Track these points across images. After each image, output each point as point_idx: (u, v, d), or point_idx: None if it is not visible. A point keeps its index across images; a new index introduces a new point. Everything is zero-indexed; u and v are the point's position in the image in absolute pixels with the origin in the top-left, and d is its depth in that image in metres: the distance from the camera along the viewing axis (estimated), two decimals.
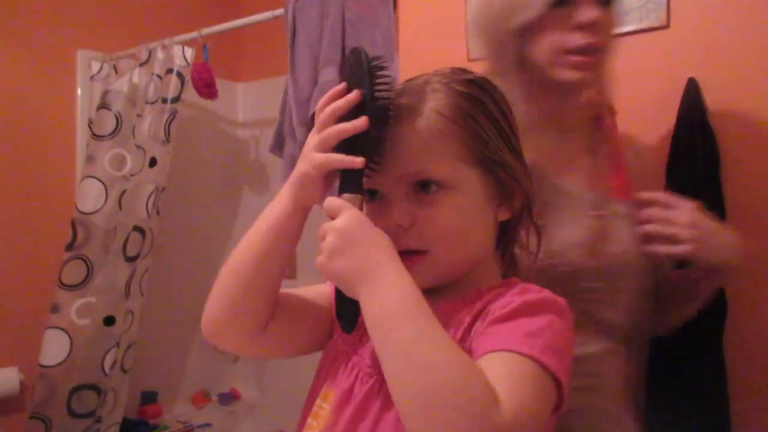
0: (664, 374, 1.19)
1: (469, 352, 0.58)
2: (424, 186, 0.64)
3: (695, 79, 1.21)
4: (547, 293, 0.62)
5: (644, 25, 1.28)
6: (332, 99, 0.63)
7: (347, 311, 0.62)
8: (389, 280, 0.56)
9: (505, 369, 0.53)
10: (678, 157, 1.21)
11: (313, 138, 0.63)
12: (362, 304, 0.57)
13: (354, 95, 0.61)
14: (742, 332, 1.18)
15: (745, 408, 1.17)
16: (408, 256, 0.62)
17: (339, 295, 0.62)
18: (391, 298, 0.55)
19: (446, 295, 0.66)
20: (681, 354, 1.17)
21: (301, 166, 0.64)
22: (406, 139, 0.64)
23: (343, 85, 0.64)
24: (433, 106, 0.65)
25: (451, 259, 0.66)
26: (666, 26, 1.26)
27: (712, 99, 1.21)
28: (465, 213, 0.65)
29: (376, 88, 0.62)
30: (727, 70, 1.20)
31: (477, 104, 0.66)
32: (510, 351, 0.54)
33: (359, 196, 0.62)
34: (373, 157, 0.63)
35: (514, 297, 0.61)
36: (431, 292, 0.63)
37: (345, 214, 0.59)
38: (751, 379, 1.17)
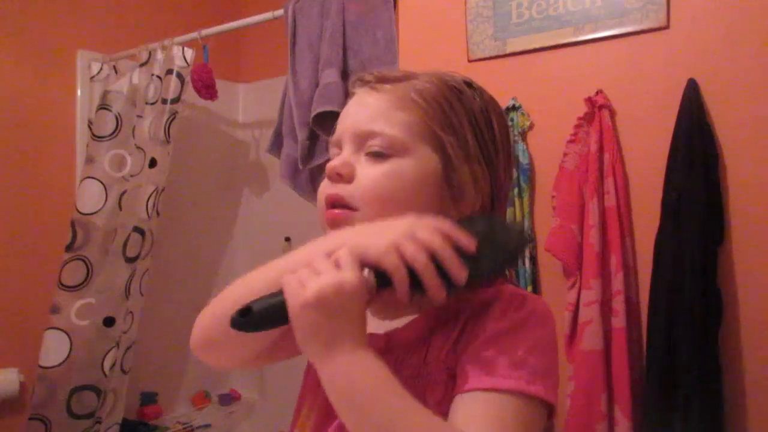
0: (661, 374, 1.19)
1: (456, 363, 0.58)
2: (376, 153, 0.64)
3: (695, 80, 1.21)
4: (528, 304, 0.60)
5: (644, 26, 1.28)
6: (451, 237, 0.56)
7: None
8: (360, 356, 0.53)
9: (490, 413, 0.54)
10: (677, 158, 1.21)
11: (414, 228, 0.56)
12: (327, 375, 0.53)
13: (471, 246, 0.55)
14: (738, 332, 1.18)
15: (741, 407, 1.17)
16: (337, 208, 0.63)
17: None
18: (361, 374, 0.52)
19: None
20: (677, 354, 1.18)
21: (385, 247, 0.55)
22: (374, 101, 0.66)
23: (471, 243, 0.56)
24: (417, 85, 0.66)
25: (383, 217, 0.62)
26: (666, 27, 1.26)
27: (712, 99, 1.21)
28: (403, 183, 0.63)
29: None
30: (727, 71, 1.20)
31: (462, 101, 0.66)
32: (495, 390, 0.54)
33: (374, 282, 0.54)
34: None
35: (498, 315, 0.59)
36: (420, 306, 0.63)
37: (341, 273, 0.53)
38: (747, 378, 1.17)
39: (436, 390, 0.58)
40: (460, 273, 0.53)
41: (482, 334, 0.58)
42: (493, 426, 0.53)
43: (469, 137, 0.65)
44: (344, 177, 0.64)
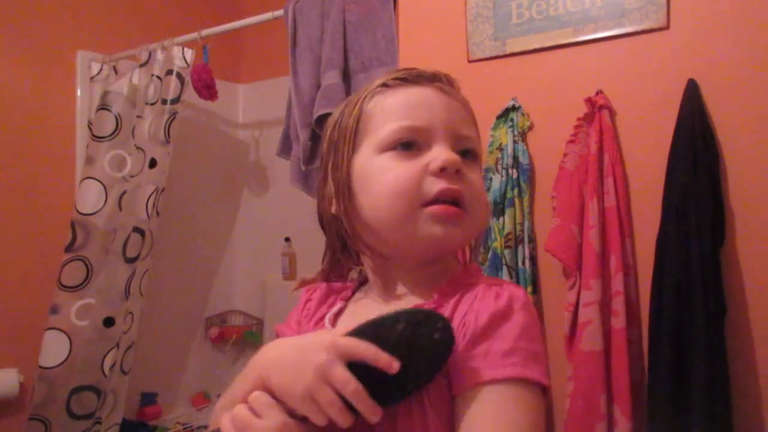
0: (665, 374, 1.19)
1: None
2: (465, 152, 0.65)
3: (695, 80, 1.21)
4: (507, 291, 0.61)
5: (644, 26, 1.28)
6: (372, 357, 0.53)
7: None
8: None
9: (493, 408, 0.54)
10: (678, 158, 1.21)
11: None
12: None
13: (396, 367, 0.52)
14: (742, 332, 1.18)
15: (747, 407, 1.17)
16: (454, 205, 0.62)
17: None
18: None
19: (414, 294, 0.66)
20: (681, 353, 1.17)
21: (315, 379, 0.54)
22: (456, 102, 0.67)
23: (390, 361, 0.52)
24: (466, 101, 0.70)
25: (476, 228, 0.67)
26: (666, 27, 1.26)
27: (712, 100, 1.21)
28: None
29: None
30: (727, 72, 1.20)
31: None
32: (494, 382, 0.55)
33: (299, 419, 0.54)
34: (374, 391, 0.52)
35: (481, 307, 0.59)
36: (398, 296, 0.65)
37: (266, 422, 0.53)
38: (753, 379, 1.17)
39: (431, 389, 0.58)
40: (373, 415, 0.52)
41: (469, 332, 0.58)
42: (499, 420, 0.53)
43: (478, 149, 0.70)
44: (460, 174, 0.63)
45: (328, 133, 0.71)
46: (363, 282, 0.75)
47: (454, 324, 0.58)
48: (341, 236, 0.70)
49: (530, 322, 0.59)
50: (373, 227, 0.65)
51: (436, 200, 0.62)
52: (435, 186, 0.62)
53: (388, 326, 0.54)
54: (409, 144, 0.63)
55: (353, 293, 0.74)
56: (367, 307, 0.68)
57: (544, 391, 0.58)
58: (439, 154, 0.62)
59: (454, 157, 0.62)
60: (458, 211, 0.62)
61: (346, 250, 0.72)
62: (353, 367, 0.52)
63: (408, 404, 0.56)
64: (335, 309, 0.71)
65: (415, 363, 0.53)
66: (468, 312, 0.60)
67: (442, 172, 0.62)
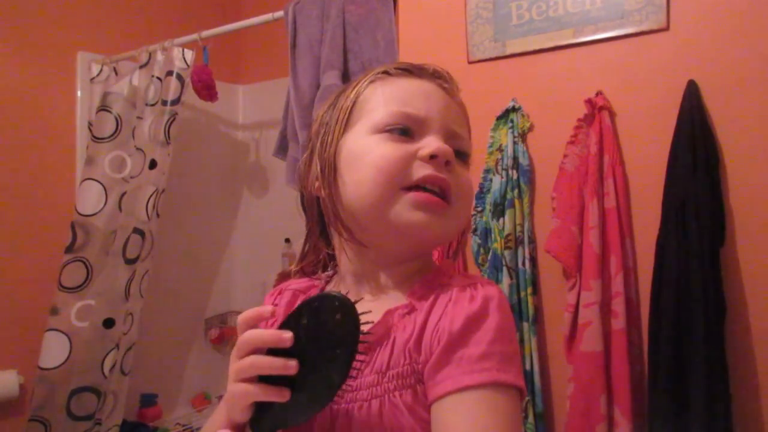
0: (665, 375, 1.19)
1: (424, 366, 0.57)
2: (457, 152, 0.65)
3: (695, 81, 1.21)
4: (481, 291, 0.60)
5: (644, 27, 1.28)
6: (257, 320, 0.57)
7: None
8: None
9: (470, 415, 0.53)
10: (678, 159, 1.21)
11: (234, 363, 0.56)
12: None
13: (288, 338, 0.53)
14: (742, 333, 1.18)
15: (747, 407, 1.17)
16: (437, 196, 0.61)
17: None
18: None
19: (383, 296, 0.65)
20: (682, 354, 1.17)
21: (229, 387, 0.57)
22: (454, 102, 0.67)
23: (271, 308, 0.57)
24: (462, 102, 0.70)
25: (458, 223, 0.66)
26: (666, 29, 1.26)
27: (712, 101, 1.21)
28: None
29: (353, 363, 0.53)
30: (727, 73, 1.20)
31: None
32: (470, 387, 0.54)
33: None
34: (303, 396, 0.52)
35: (455, 311, 0.58)
36: (374, 295, 0.65)
37: None
38: (752, 378, 1.17)
39: (405, 393, 0.58)
40: (280, 396, 0.53)
41: (444, 337, 0.57)
42: (474, 428, 0.53)
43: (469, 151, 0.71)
44: (449, 166, 0.63)
45: (321, 114, 0.70)
46: (331, 278, 0.74)
47: (428, 330, 0.58)
48: (321, 219, 0.70)
49: (505, 322, 0.58)
50: (354, 208, 0.63)
51: (419, 187, 0.61)
52: (421, 171, 0.61)
53: (294, 324, 0.54)
54: (404, 130, 0.63)
55: (322, 290, 0.73)
56: None
57: (520, 392, 0.57)
58: (432, 142, 0.62)
59: (448, 147, 0.62)
60: (441, 201, 0.61)
61: (325, 233, 0.72)
62: (276, 378, 0.53)
63: (380, 408, 0.57)
64: None
65: (329, 351, 0.52)
66: (443, 316, 0.59)
67: (432, 159, 0.61)
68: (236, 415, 0.56)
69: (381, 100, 0.65)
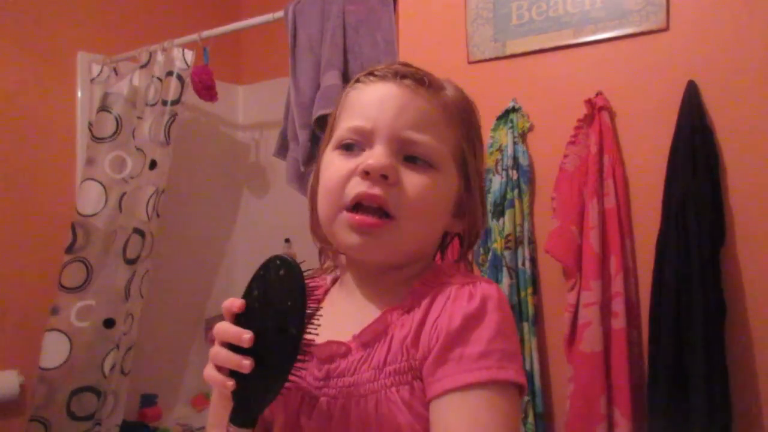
0: (665, 375, 1.19)
1: (422, 363, 0.57)
2: (412, 157, 0.62)
3: (695, 82, 1.21)
4: (480, 290, 0.59)
5: (644, 27, 1.28)
6: (227, 312, 0.59)
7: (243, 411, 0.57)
8: None
9: (469, 414, 0.54)
10: (678, 159, 1.21)
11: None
12: None
13: (247, 339, 0.55)
14: (742, 333, 1.18)
15: (747, 407, 1.17)
16: (376, 216, 0.60)
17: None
18: None
19: (384, 297, 0.65)
20: (682, 354, 1.18)
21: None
22: (415, 104, 0.62)
23: (241, 302, 0.58)
24: (450, 94, 0.66)
25: (412, 236, 0.63)
26: (666, 29, 1.26)
27: (712, 101, 1.21)
28: (438, 197, 0.63)
29: (306, 330, 0.54)
30: (727, 73, 1.20)
31: (475, 118, 0.69)
32: (469, 386, 0.54)
33: None
34: (270, 385, 0.54)
35: (454, 309, 0.58)
36: (374, 295, 0.65)
37: None
38: (752, 378, 1.17)
39: (402, 389, 0.58)
40: (240, 366, 0.55)
41: (443, 335, 0.57)
42: (473, 426, 0.53)
43: (479, 156, 0.69)
44: (389, 179, 0.60)
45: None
46: (337, 279, 0.74)
47: (426, 327, 0.59)
48: None
49: (504, 321, 0.58)
50: (321, 224, 0.66)
51: (357, 205, 0.60)
52: (356, 188, 0.60)
53: (249, 298, 0.57)
54: (349, 145, 0.63)
55: (326, 292, 0.74)
56: (340, 309, 0.69)
57: (520, 389, 0.57)
58: (369, 156, 0.60)
59: (382, 161, 0.59)
60: (376, 221, 0.60)
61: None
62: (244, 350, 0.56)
63: (377, 404, 0.57)
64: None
65: (282, 306, 0.54)
66: (441, 314, 0.59)
67: (366, 175, 0.60)
68: (221, 408, 0.60)
69: (345, 113, 0.66)
